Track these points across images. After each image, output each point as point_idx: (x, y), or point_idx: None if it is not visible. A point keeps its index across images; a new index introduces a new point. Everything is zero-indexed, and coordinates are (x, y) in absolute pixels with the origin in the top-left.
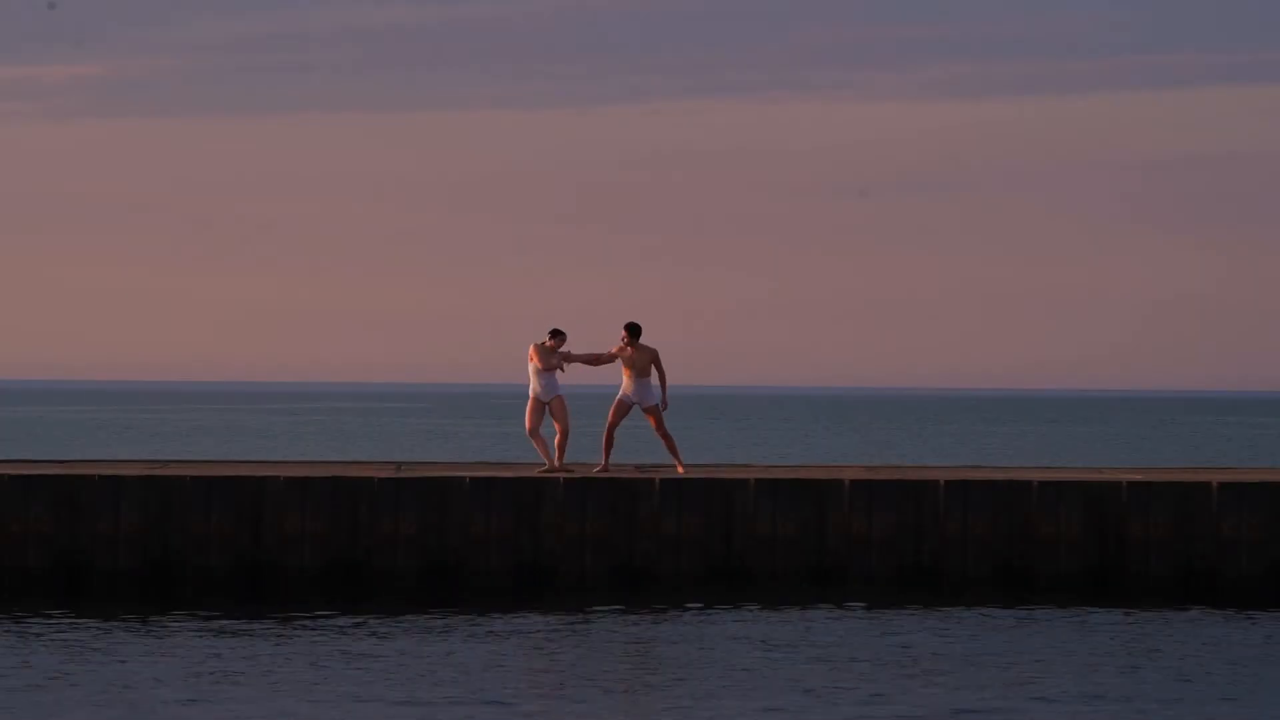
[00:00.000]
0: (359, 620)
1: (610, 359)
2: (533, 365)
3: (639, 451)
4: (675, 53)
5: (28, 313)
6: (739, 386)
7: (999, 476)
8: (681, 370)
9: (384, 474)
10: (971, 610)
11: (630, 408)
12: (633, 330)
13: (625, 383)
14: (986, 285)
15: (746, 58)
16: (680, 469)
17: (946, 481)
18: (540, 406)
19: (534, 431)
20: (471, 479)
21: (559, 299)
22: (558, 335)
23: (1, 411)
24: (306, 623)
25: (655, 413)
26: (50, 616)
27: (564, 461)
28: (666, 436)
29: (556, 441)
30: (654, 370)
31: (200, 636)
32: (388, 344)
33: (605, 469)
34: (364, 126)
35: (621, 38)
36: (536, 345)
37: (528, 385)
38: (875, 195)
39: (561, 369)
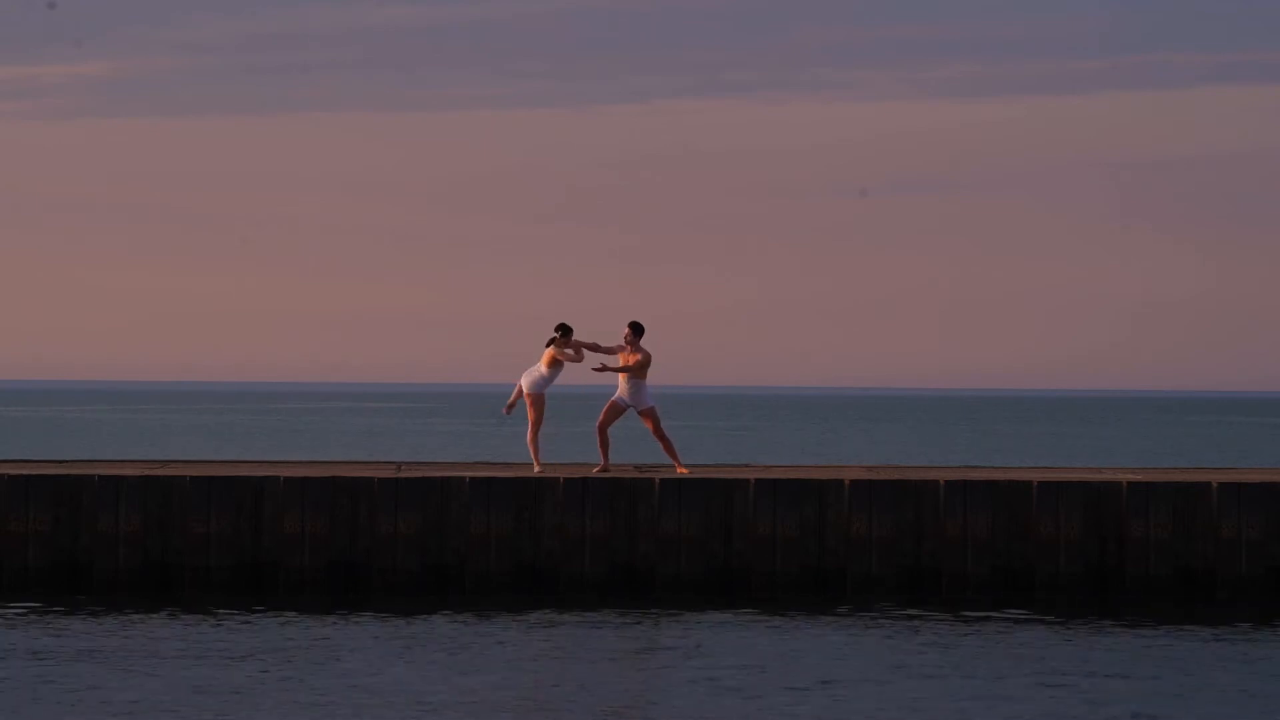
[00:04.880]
0: (358, 620)
1: (609, 352)
2: (547, 365)
3: (639, 451)
4: (675, 53)
5: (28, 313)
6: (738, 387)
7: (999, 477)
8: (682, 371)
9: (384, 474)
10: (970, 612)
11: (624, 410)
12: (636, 329)
13: (620, 385)
14: (987, 285)
15: (746, 58)
16: (680, 469)
17: (946, 481)
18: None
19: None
20: (471, 479)
21: (560, 299)
22: (564, 330)
23: (1, 411)
24: (306, 623)
25: (651, 415)
26: (50, 616)
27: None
28: (664, 438)
29: (529, 436)
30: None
31: (200, 637)
32: (387, 344)
33: (605, 468)
34: (364, 126)
35: (621, 38)
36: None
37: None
38: (875, 195)
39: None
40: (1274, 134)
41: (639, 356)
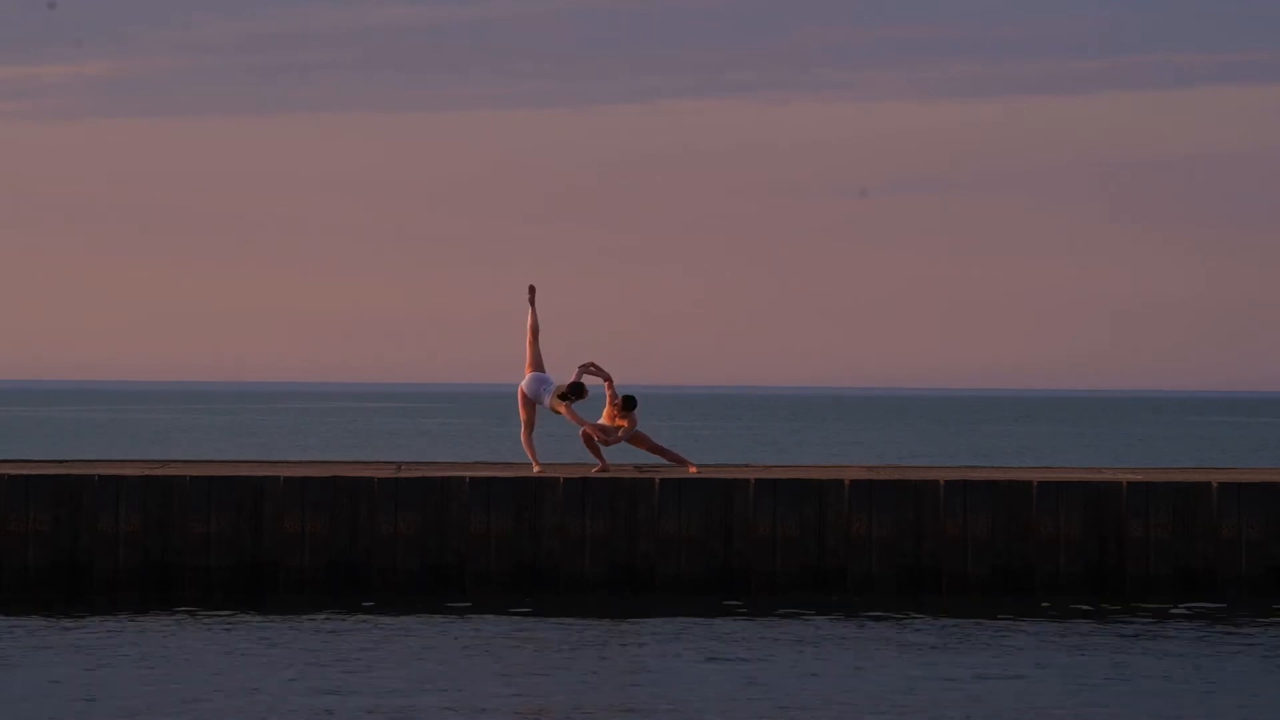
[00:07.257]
0: (358, 621)
1: (613, 387)
2: (551, 408)
3: (639, 452)
4: (675, 53)
5: (28, 313)
6: (738, 387)
7: (999, 476)
8: (681, 371)
9: (384, 474)
10: (969, 611)
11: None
12: (629, 403)
13: (604, 421)
14: (986, 285)
15: (746, 58)
16: (692, 469)
17: (946, 481)
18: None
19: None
20: (471, 479)
21: (560, 299)
22: (577, 392)
23: (1, 411)
24: (306, 623)
25: (640, 438)
26: (50, 617)
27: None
28: (663, 450)
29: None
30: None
31: (200, 637)
32: (387, 344)
33: (604, 468)
34: (364, 126)
35: (621, 38)
36: (567, 403)
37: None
38: (875, 195)
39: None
40: (1274, 134)
41: (626, 424)
